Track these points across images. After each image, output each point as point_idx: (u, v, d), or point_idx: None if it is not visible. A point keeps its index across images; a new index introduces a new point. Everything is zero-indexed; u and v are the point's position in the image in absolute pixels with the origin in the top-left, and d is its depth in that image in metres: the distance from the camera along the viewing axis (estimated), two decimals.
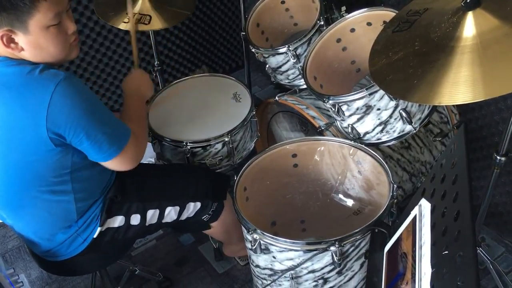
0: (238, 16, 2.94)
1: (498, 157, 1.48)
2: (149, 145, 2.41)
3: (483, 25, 1.18)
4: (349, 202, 1.74)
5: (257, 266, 1.50)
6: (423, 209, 1.12)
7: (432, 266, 0.96)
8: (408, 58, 1.26)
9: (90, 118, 1.27)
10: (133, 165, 1.42)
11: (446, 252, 0.93)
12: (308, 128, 2.00)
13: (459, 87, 1.17)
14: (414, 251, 1.07)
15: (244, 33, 2.22)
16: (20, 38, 1.23)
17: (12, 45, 1.24)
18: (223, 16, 2.88)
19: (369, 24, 1.68)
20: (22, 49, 1.25)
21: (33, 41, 1.24)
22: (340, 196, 1.74)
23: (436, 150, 1.95)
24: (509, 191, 1.93)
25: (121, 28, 1.93)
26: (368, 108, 1.51)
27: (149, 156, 2.36)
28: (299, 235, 1.79)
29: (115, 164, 1.38)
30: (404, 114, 1.51)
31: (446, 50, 1.20)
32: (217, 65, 3.05)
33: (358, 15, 1.67)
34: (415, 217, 1.14)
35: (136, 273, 1.95)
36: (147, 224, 1.57)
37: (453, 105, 1.91)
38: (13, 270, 1.52)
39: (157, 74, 2.26)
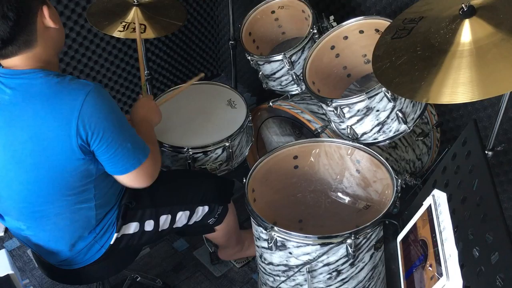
0: (213, 26, 3.00)
1: None
2: None
3: (479, 31, 1.31)
4: (346, 200, 1.83)
5: (270, 263, 1.56)
6: (437, 198, 1.23)
7: (459, 247, 1.06)
8: (412, 62, 1.37)
9: (116, 130, 1.30)
10: (147, 183, 1.45)
11: (473, 233, 1.03)
12: (301, 132, 2.09)
13: (459, 88, 1.29)
14: (434, 237, 1.17)
15: (232, 42, 2.31)
16: (50, 13, 1.27)
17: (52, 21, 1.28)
18: (199, 27, 2.94)
19: (361, 32, 1.80)
20: (55, 25, 1.28)
21: (54, 13, 1.30)
22: (339, 194, 1.83)
23: (418, 149, 2.09)
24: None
25: (115, 36, 1.95)
26: (368, 110, 1.62)
27: None
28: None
29: (129, 179, 1.40)
30: (400, 115, 1.63)
31: (447, 54, 1.33)
32: (195, 75, 3.08)
33: (351, 24, 1.78)
34: (429, 206, 1.24)
35: (137, 280, 1.96)
36: (160, 229, 1.61)
37: (432, 107, 2.05)
38: (28, 280, 1.51)
39: (146, 83, 2.29)
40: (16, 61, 1.26)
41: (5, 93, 1.25)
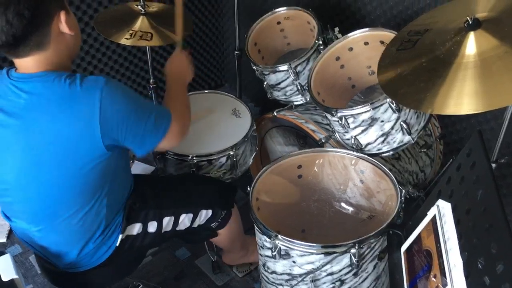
0: (218, 36, 3.03)
1: None
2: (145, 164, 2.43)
3: (484, 44, 1.33)
4: (350, 210, 1.84)
5: (273, 272, 1.56)
6: (442, 208, 1.23)
7: (464, 257, 1.06)
8: (417, 73, 1.39)
9: (138, 112, 1.34)
10: (181, 139, 1.49)
11: (478, 244, 1.04)
12: (305, 142, 2.10)
13: (464, 99, 1.30)
14: (438, 247, 1.17)
15: (237, 52, 2.33)
16: (67, 19, 1.29)
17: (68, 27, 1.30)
18: (204, 37, 2.96)
19: (366, 43, 1.81)
20: (71, 31, 1.31)
21: (72, 20, 1.32)
22: (342, 204, 1.84)
23: (421, 160, 2.09)
24: None
25: (122, 43, 1.97)
26: (372, 120, 1.63)
27: (146, 172, 2.38)
28: None
29: (165, 142, 1.43)
30: (404, 126, 1.64)
31: (452, 66, 1.34)
32: (198, 84, 3.11)
33: (356, 35, 1.80)
34: (434, 216, 1.25)
35: (139, 287, 1.96)
36: (162, 231, 1.62)
37: (436, 119, 2.06)
38: (32, 286, 1.50)
39: (152, 91, 2.31)
40: (28, 62, 1.28)
41: (20, 97, 1.27)
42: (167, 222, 1.62)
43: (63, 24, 1.28)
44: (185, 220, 1.66)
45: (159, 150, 1.48)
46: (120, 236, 1.51)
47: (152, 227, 1.59)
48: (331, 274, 1.46)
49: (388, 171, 1.63)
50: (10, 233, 2.27)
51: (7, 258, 1.36)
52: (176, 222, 1.64)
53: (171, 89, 1.64)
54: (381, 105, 1.59)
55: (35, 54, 1.27)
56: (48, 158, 1.28)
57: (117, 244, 1.50)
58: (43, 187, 1.33)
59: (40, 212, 1.38)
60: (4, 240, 2.25)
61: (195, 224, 1.69)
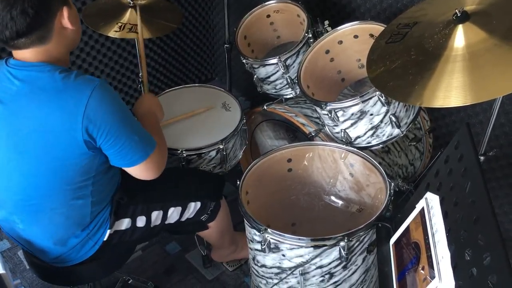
0: (208, 30, 3.01)
1: None
2: None
3: (472, 37, 1.33)
4: (339, 204, 1.84)
5: (263, 266, 1.56)
6: (430, 201, 1.24)
7: (451, 249, 1.06)
8: (406, 66, 1.39)
9: (122, 124, 1.32)
10: (156, 174, 1.46)
11: (465, 236, 1.04)
12: (294, 135, 2.10)
13: (452, 92, 1.30)
14: (426, 239, 1.18)
15: (227, 46, 2.32)
16: (70, 14, 1.30)
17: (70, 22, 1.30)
18: (194, 30, 2.95)
19: (355, 36, 1.81)
20: (72, 26, 1.31)
21: (74, 15, 1.33)
22: (332, 197, 1.84)
23: (411, 154, 2.10)
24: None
25: (111, 36, 1.95)
26: (362, 114, 1.63)
27: None
28: None
29: (138, 171, 1.42)
30: (393, 119, 1.64)
31: (440, 59, 1.34)
32: (188, 78, 3.10)
33: (346, 28, 1.80)
34: (422, 209, 1.25)
35: (129, 282, 1.96)
36: (151, 225, 1.61)
37: (425, 112, 2.07)
38: (20, 280, 1.49)
39: (141, 85, 2.29)
40: (26, 54, 1.29)
41: (13, 84, 1.29)
42: (156, 216, 1.61)
43: (65, 19, 1.29)
44: (174, 214, 1.65)
45: (135, 176, 1.45)
46: (108, 231, 1.50)
47: (141, 222, 1.58)
48: (320, 267, 1.46)
49: (377, 164, 1.63)
50: None
51: None
52: (165, 216, 1.63)
53: (145, 125, 1.55)
54: (370, 98, 1.59)
55: (36, 47, 1.28)
56: (31, 147, 1.28)
57: (105, 239, 1.50)
58: (24, 177, 1.33)
59: (21, 203, 1.38)
60: None
61: (184, 217, 1.69)
